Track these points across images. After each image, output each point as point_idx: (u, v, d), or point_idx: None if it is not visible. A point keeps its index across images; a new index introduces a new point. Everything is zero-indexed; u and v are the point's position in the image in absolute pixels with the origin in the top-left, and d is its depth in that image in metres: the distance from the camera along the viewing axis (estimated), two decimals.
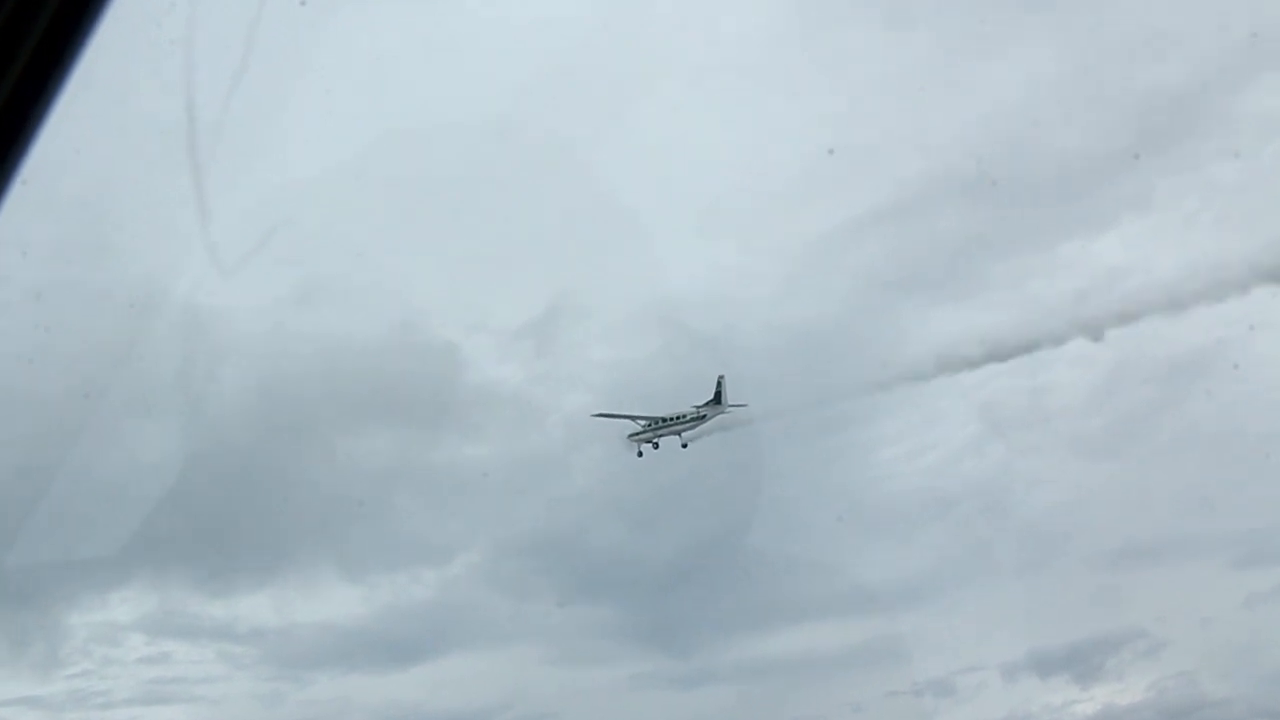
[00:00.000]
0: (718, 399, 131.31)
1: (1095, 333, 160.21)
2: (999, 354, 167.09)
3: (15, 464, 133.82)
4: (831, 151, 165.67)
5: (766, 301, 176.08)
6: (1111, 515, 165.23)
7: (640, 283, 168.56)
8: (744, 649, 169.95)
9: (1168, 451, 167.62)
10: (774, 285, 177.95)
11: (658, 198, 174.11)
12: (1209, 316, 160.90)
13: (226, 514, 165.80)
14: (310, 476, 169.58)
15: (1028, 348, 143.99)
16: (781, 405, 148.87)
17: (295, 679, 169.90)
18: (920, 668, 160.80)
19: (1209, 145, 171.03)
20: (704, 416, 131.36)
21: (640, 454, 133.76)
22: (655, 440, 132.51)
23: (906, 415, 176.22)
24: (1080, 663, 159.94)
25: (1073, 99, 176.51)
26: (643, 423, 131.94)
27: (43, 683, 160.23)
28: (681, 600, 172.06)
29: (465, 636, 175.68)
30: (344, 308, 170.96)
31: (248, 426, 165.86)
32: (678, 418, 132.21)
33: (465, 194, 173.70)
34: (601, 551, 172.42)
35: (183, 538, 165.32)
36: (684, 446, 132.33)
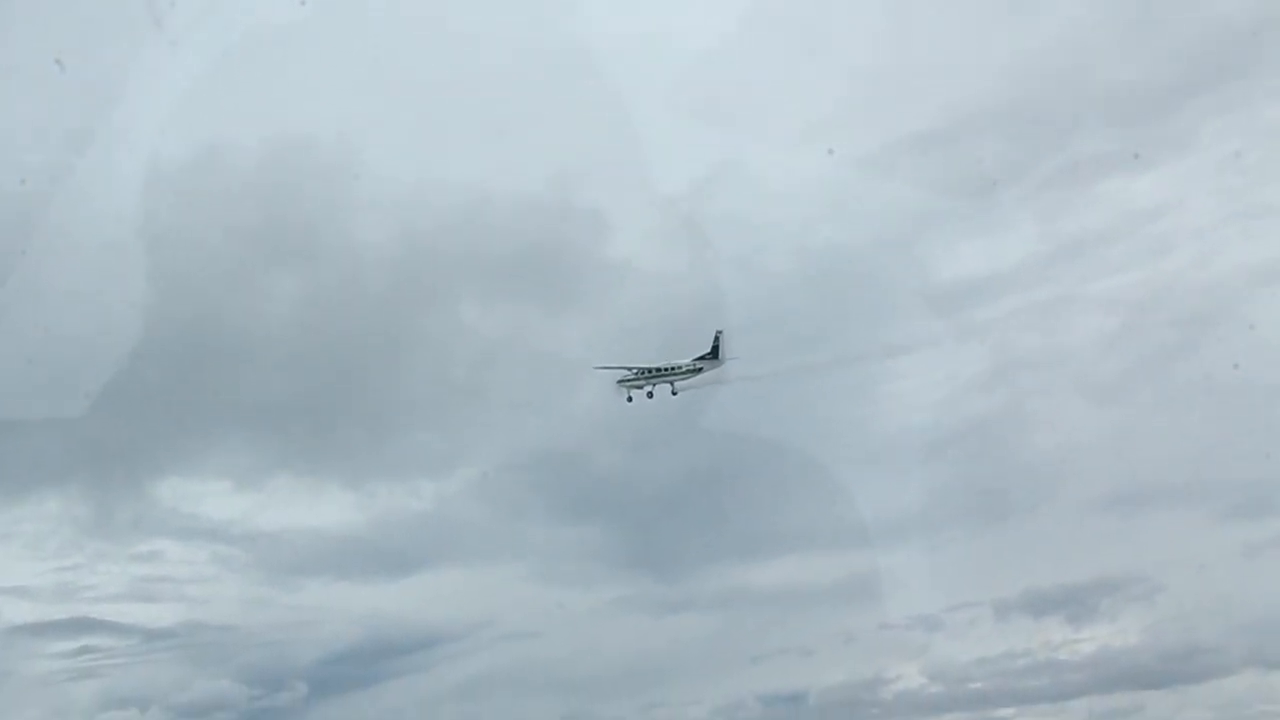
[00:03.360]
0: (715, 353, 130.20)
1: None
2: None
3: None
4: (831, 151, 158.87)
5: (799, 223, 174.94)
6: (1115, 459, 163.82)
7: (671, 199, 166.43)
8: (735, 578, 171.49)
9: (1178, 399, 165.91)
10: (806, 207, 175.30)
11: (689, 114, 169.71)
12: (1233, 263, 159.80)
13: (276, 395, 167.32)
14: (386, 359, 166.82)
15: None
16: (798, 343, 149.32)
17: (284, 584, 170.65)
18: (913, 602, 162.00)
19: (1261, 84, 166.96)
20: (699, 370, 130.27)
21: (630, 399, 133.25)
22: (649, 389, 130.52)
23: (921, 348, 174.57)
24: (1075, 604, 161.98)
25: (1130, 30, 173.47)
26: (635, 371, 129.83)
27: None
28: (676, 527, 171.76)
29: (460, 550, 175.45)
30: None
31: (347, 294, 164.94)
32: (672, 369, 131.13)
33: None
34: (599, 473, 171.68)
35: (220, 418, 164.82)
36: (674, 394, 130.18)
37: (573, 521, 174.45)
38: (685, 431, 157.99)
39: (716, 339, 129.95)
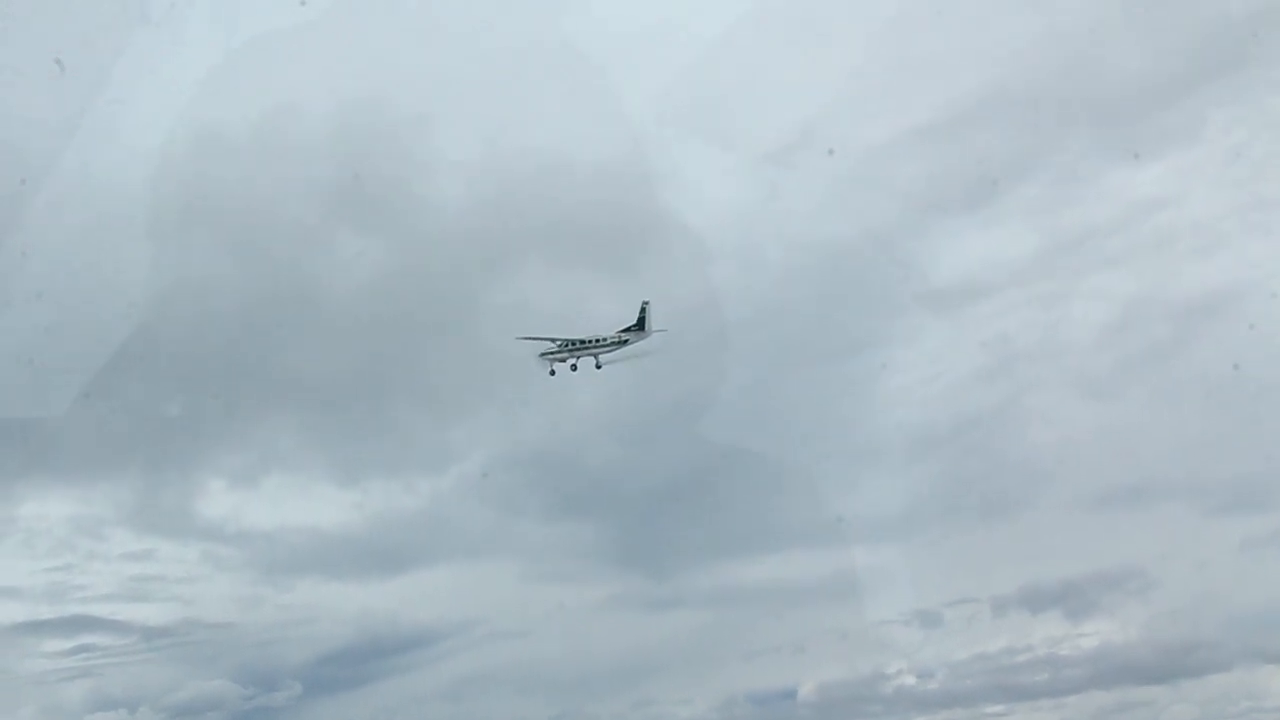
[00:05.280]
0: (641, 325, 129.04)
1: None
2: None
3: None
4: (831, 152, 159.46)
5: (800, 217, 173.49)
6: (1112, 454, 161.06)
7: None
8: (728, 574, 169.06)
9: (1175, 393, 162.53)
10: (809, 200, 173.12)
11: (694, 104, 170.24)
12: (1233, 257, 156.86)
13: (308, 379, 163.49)
14: (435, 339, 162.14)
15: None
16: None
17: (276, 583, 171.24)
18: (910, 598, 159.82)
19: (1266, 76, 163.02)
20: (625, 341, 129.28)
21: (553, 372, 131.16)
22: (573, 362, 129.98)
23: (919, 342, 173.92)
24: (1073, 599, 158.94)
25: (1134, 21, 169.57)
26: (559, 343, 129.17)
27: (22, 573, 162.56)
28: (669, 523, 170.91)
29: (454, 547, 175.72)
30: None
31: (405, 269, 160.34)
32: (597, 340, 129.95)
33: None
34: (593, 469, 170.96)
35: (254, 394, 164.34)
36: (598, 368, 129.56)
37: (566, 518, 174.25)
38: (680, 427, 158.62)
39: (643, 310, 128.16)
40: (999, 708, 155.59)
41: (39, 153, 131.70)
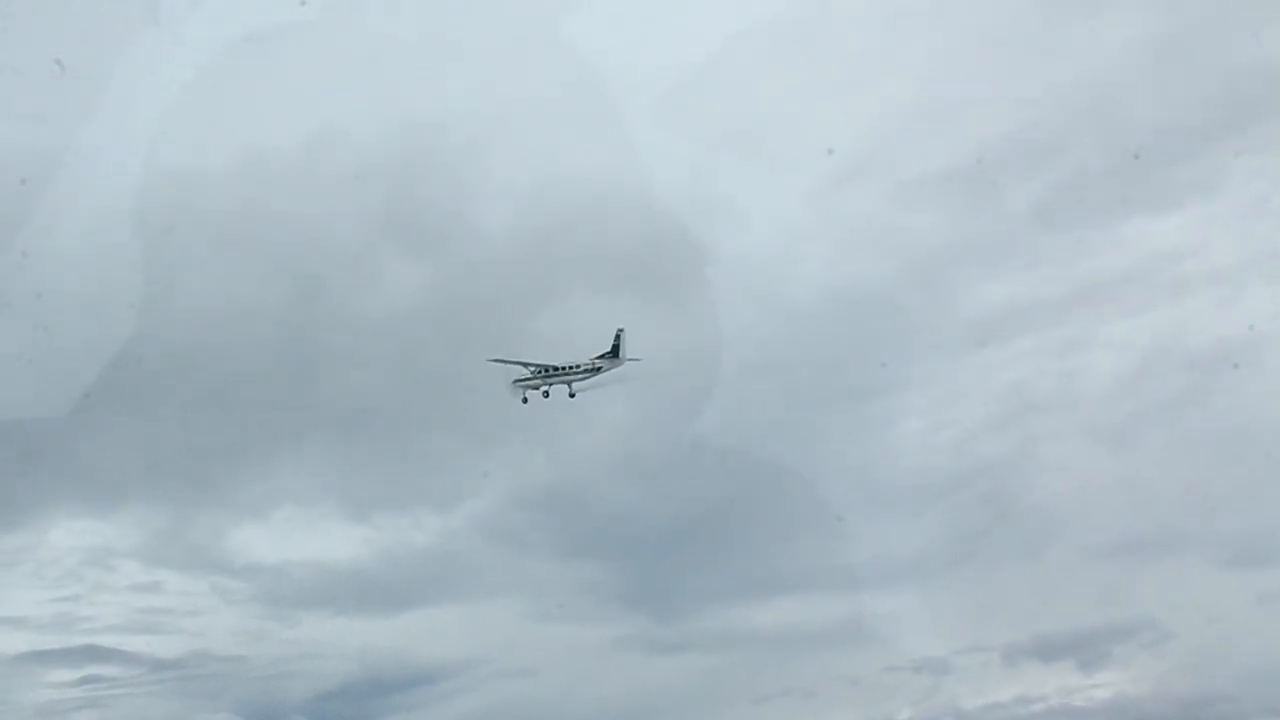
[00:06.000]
0: (615, 352, 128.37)
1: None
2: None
3: None
4: (831, 152, 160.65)
5: (823, 262, 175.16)
6: (1127, 504, 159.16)
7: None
8: (737, 617, 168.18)
9: (1192, 444, 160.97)
10: (832, 246, 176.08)
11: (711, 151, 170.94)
12: (1252, 307, 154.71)
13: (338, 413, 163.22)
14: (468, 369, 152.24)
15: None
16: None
17: (282, 618, 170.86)
18: (921, 645, 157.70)
19: None
20: (598, 369, 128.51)
21: (525, 400, 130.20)
22: (545, 389, 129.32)
23: (935, 388, 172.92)
24: (1085, 649, 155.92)
25: (1164, 67, 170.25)
26: (532, 369, 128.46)
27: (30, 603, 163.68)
28: (679, 564, 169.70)
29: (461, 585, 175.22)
30: None
31: (447, 291, 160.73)
32: (571, 368, 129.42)
33: None
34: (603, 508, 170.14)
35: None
36: (571, 396, 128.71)
37: (574, 557, 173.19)
38: (692, 467, 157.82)
39: (617, 337, 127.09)
40: None
41: (39, 153, 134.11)
